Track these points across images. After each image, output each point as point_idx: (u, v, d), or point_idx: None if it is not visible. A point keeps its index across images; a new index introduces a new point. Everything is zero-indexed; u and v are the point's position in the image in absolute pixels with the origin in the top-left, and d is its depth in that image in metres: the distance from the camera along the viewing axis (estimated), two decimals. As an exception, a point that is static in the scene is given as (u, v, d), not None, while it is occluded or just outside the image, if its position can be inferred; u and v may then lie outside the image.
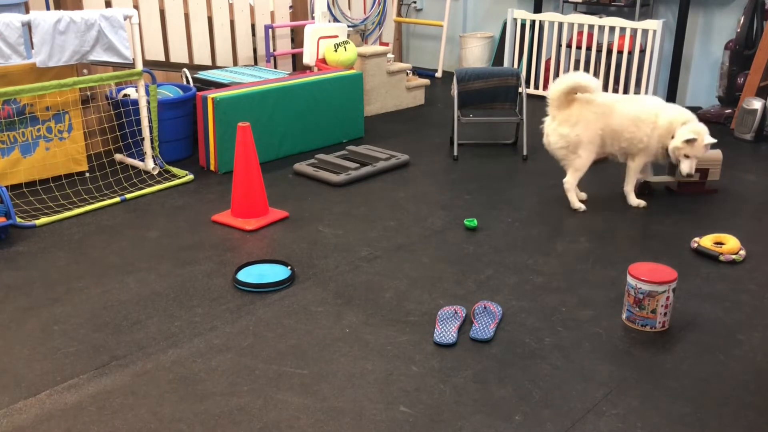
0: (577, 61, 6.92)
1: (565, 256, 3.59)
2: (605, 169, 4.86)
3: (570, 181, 4.14)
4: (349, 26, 7.04)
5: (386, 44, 7.52)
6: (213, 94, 4.63)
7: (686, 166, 3.88)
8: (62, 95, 4.44)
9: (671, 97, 6.41)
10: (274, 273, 3.34)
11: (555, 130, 4.05)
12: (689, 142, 3.82)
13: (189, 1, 5.79)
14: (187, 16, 5.82)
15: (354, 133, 5.54)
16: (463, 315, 2.97)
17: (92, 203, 4.17)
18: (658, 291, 2.85)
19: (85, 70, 4.82)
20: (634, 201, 4.19)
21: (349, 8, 7.30)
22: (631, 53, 6.45)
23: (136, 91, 4.63)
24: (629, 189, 4.21)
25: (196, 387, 2.53)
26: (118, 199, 4.23)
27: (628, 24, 6.25)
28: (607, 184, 4.59)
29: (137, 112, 4.64)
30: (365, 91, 6.16)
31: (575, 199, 4.17)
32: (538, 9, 7.11)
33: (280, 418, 2.37)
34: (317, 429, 2.32)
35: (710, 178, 4.39)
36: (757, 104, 5.46)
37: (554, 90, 4.01)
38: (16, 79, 4.19)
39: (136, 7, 5.45)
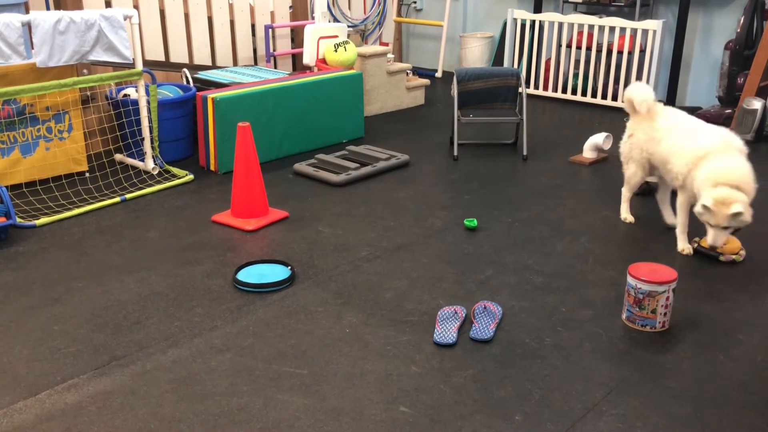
0: (577, 61, 6.92)
1: (565, 256, 3.59)
2: (606, 170, 4.86)
3: (623, 191, 4.02)
4: (349, 26, 7.04)
5: (386, 44, 7.52)
6: (213, 94, 4.63)
7: (709, 237, 3.26)
8: (62, 95, 4.44)
9: (671, 97, 6.42)
10: (274, 273, 3.34)
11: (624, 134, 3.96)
12: (705, 209, 3.21)
13: (189, 1, 5.79)
14: (187, 16, 5.82)
15: (354, 133, 5.54)
16: (463, 315, 2.97)
17: (92, 203, 4.17)
18: (658, 291, 2.85)
19: (85, 70, 4.82)
20: (681, 244, 3.63)
21: (349, 8, 7.30)
22: (631, 53, 6.45)
23: (136, 91, 4.62)
24: (679, 230, 3.64)
25: (196, 387, 2.53)
26: (118, 199, 4.23)
27: (628, 24, 6.25)
28: (607, 184, 4.59)
29: (137, 112, 4.64)
30: (365, 91, 6.15)
31: (624, 209, 4.03)
32: (538, 9, 7.11)
33: (280, 418, 2.37)
34: (317, 429, 2.32)
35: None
36: (757, 104, 5.46)
37: (624, 97, 3.88)
38: (16, 79, 4.19)
39: (136, 7, 5.45)
